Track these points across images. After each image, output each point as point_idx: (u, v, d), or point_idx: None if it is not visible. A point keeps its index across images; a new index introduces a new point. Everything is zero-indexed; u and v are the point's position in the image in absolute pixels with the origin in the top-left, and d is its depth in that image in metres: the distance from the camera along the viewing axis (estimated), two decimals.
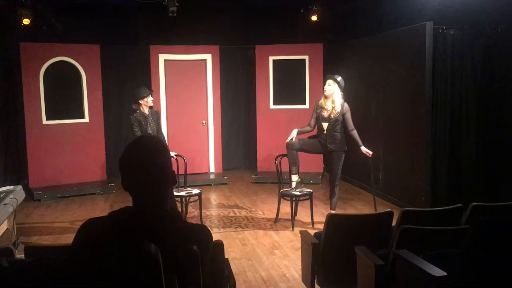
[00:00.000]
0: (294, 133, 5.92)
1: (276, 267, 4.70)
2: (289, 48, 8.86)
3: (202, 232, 1.81)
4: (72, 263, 1.62)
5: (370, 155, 5.89)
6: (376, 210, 6.07)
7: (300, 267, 4.04)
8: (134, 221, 1.71)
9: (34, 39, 7.75)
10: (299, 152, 5.99)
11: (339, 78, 5.83)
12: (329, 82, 5.85)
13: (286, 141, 5.92)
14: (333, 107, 5.80)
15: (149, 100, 5.71)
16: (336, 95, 5.80)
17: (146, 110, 5.71)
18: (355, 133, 5.86)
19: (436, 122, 6.16)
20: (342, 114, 5.82)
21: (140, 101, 5.68)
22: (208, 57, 8.85)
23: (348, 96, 6.29)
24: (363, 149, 5.87)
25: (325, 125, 5.86)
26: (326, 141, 5.85)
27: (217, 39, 8.85)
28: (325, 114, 5.85)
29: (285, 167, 6.13)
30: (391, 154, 7.06)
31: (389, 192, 7.08)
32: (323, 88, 5.93)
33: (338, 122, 5.82)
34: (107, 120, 8.56)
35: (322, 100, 5.92)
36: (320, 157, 7.85)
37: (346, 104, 5.87)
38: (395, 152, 6.96)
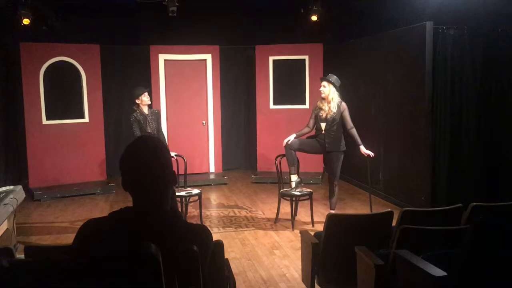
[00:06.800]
0: (291, 137, 5.90)
1: (276, 267, 4.70)
2: (289, 48, 8.85)
3: (202, 232, 1.81)
4: (72, 263, 1.62)
5: (371, 157, 5.88)
6: (371, 211, 6.07)
7: (300, 267, 4.04)
8: (134, 221, 1.71)
9: (34, 39, 7.75)
10: (299, 153, 5.99)
11: (333, 78, 5.81)
12: (324, 84, 5.85)
13: (283, 144, 5.91)
14: (329, 107, 5.80)
15: (145, 98, 5.71)
16: (332, 95, 5.80)
17: (145, 110, 5.72)
18: (354, 131, 5.85)
19: (436, 122, 6.16)
20: (340, 114, 5.82)
21: (137, 101, 5.69)
22: (208, 57, 8.85)
23: (348, 96, 6.28)
24: (363, 149, 5.84)
25: (323, 125, 5.86)
26: (325, 141, 5.85)
27: (217, 39, 8.84)
28: (323, 114, 5.85)
29: (285, 167, 6.13)
30: (391, 154, 7.06)
31: (389, 192, 7.08)
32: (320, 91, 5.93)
33: (335, 122, 5.81)
34: (107, 120, 8.56)
35: (319, 101, 5.94)
36: (320, 157, 7.84)
37: (343, 103, 5.86)
38: (395, 152, 6.95)
